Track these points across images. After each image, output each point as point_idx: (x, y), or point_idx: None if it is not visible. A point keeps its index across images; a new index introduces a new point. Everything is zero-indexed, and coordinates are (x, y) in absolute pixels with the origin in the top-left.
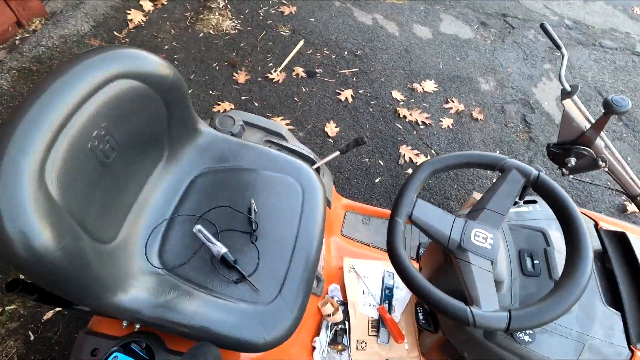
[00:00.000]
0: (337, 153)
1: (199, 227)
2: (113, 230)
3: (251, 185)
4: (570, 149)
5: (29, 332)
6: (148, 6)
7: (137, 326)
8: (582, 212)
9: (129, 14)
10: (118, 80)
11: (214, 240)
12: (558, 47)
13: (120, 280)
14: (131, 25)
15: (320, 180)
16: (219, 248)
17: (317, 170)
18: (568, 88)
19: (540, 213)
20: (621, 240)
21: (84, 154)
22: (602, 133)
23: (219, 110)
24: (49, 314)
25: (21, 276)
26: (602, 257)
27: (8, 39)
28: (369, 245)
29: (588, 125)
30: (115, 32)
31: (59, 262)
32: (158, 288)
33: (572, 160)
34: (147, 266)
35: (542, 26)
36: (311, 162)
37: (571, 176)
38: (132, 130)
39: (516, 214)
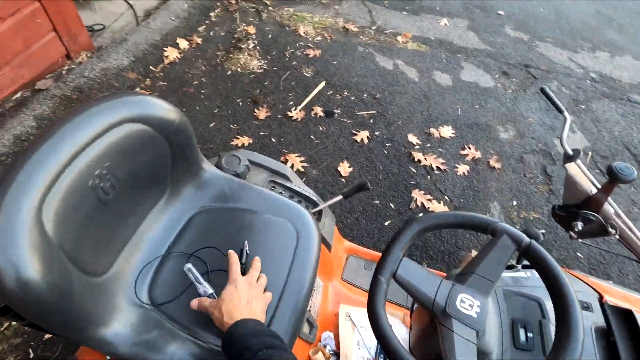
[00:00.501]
0: (340, 197)
1: (189, 265)
2: (106, 264)
3: (247, 227)
4: (577, 212)
5: (30, 350)
6: (184, 44)
7: None
8: (585, 281)
9: (166, 51)
10: (125, 124)
11: (201, 280)
12: (560, 111)
13: (106, 314)
14: (166, 61)
15: (317, 225)
16: (206, 288)
17: (320, 212)
18: (570, 152)
19: (538, 280)
20: (628, 317)
21: (84, 191)
22: (609, 199)
23: (237, 145)
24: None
25: None
26: (606, 333)
27: (56, 69)
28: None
29: (594, 190)
30: (151, 67)
31: (43, 294)
32: (142, 324)
33: (579, 225)
34: (134, 301)
35: (543, 90)
36: (314, 204)
37: (580, 240)
38: (135, 169)
39: (513, 279)
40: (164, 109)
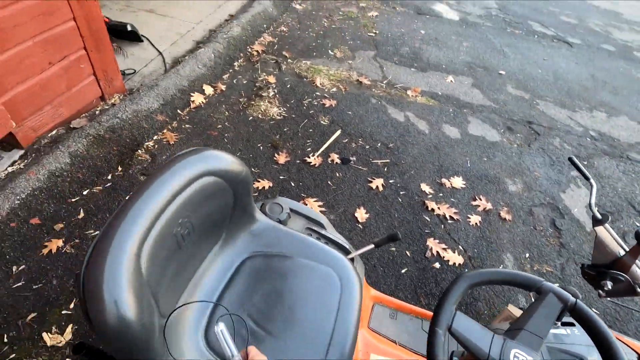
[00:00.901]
0: (372, 246)
1: (221, 326)
2: (170, 306)
3: (292, 272)
4: (606, 272)
5: None
6: (209, 90)
7: None
8: (622, 341)
9: (192, 96)
10: (203, 177)
11: (230, 344)
12: (587, 179)
13: (175, 354)
14: (192, 106)
15: (357, 272)
16: (233, 352)
17: (352, 260)
18: (599, 216)
19: (579, 338)
20: None
21: (169, 237)
22: (637, 261)
23: (258, 187)
24: None
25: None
26: None
27: (90, 109)
28: (395, 343)
29: (622, 252)
30: (178, 110)
31: (137, 333)
32: None
33: (609, 284)
34: (198, 347)
35: (570, 160)
36: (346, 252)
37: (608, 299)
38: (205, 217)
39: (554, 335)
40: (234, 163)
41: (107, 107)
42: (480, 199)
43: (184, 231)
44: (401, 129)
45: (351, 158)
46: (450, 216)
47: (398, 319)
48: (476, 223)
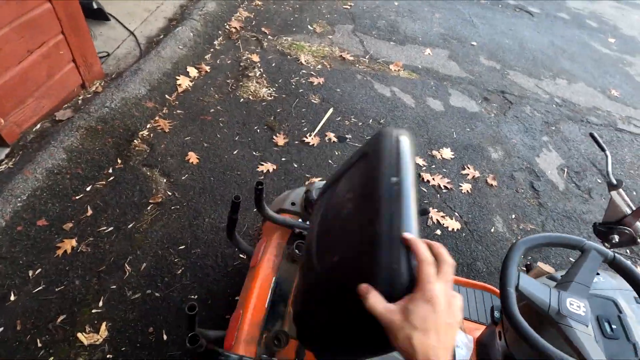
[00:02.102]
0: None
1: None
2: None
3: None
4: (614, 228)
5: None
6: (194, 73)
7: None
8: None
9: (178, 79)
10: None
11: None
12: (603, 150)
13: None
14: (180, 90)
15: None
16: None
17: None
18: (615, 182)
19: (606, 283)
20: None
21: None
22: None
23: (262, 171)
24: None
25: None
26: None
27: (72, 98)
28: None
29: (629, 211)
30: (166, 95)
31: None
32: None
33: (616, 237)
34: None
35: (591, 135)
36: None
37: (613, 249)
38: None
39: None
40: None
41: (88, 95)
42: (469, 168)
43: None
44: (389, 104)
45: (347, 136)
46: (444, 186)
47: None
48: (467, 190)
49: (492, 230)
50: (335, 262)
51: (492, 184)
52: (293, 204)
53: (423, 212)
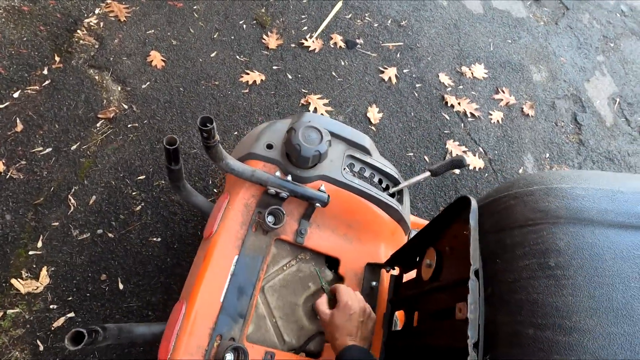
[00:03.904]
0: (427, 174)
1: None
2: None
3: None
4: None
5: (37, 342)
6: None
7: None
8: None
9: None
10: None
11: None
12: None
13: None
14: None
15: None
16: None
17: (400, 192)
18: None
19: None
20: None
21: None
22: None
23: (247, 82)
24: (60, 320)
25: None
26: None
27: None
28: None
29: None
30: None
31: None
32: None
33: None
34: None
35: None
36: (394, 182)
37: None
38: None
39: None
40: None
41: None
42: (503, 92)
43: None
44: (415, 1)
45: (357, 41)
46: (471, 113)
47: None
48: (498, 120)
49: (521, 171)
50: None
51: (528, 114)
52: (269, 146)
53: (456, 165)
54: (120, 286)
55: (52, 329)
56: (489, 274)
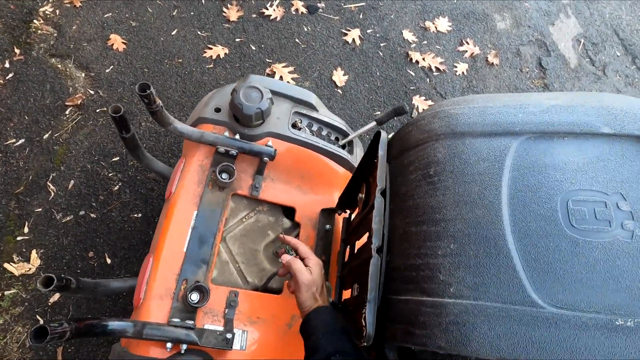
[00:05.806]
0: (373, 124)
1: None
2: None
3: None
4: None
5: (37, 317)
6: None
7: (184, 347)
8: None
9: None
10: None
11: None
12: None
13: None
14: None
15: None
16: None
17: (350, 142)
18: None
19: None
20: None
21: None
22: None
23: (211, 57)
24: (56, 296)
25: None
26: None
27: None
28: None
29: None
30: None
31: None
32: None
33: None
34: None
35: None
36: (343, 134)
37: None
38: None
39: None
40: None
41: None
42: (467, 43)
43: None
44: None
45: (319, 5)
46: (435, 67)
47: None
48: (463, 72)
49: None
50: None
51: (492, 63)
52: (217, 109)
53: (398, 112)
54: (108, 261)
55: (49, 304)
56: (394, 192)
